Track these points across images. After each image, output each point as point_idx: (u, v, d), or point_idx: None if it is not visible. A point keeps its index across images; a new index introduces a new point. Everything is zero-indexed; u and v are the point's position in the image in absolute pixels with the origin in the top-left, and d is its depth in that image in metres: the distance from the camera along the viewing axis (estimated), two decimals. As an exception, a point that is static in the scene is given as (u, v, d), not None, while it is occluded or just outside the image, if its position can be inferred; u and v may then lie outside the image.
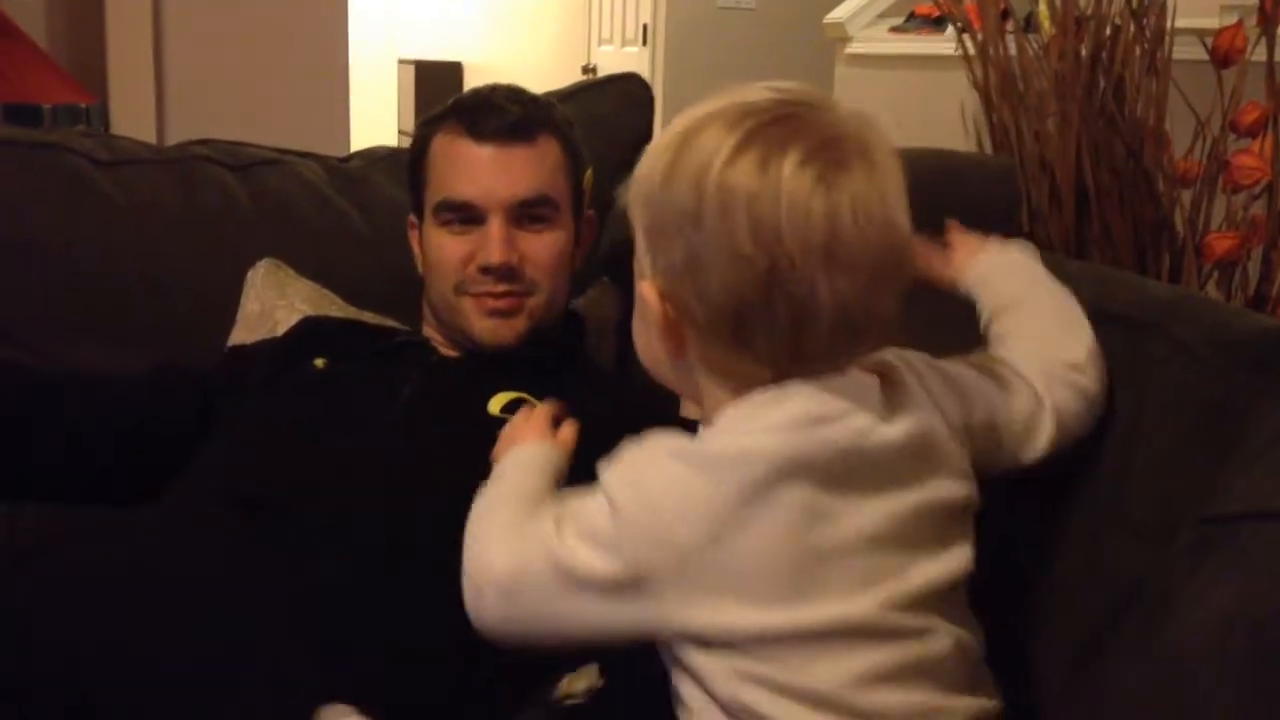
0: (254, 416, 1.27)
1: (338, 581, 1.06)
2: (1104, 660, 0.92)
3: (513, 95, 1.41)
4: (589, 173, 1.46)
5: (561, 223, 1.39)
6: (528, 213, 1.35)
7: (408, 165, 1.45)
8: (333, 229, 1.63)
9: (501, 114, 1.37)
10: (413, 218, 1.45)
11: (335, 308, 1.53)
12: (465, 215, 1.34)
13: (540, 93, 1.77)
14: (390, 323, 1.52)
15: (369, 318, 1.53)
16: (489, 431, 1.14)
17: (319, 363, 1.33)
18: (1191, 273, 1.37)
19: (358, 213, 1.65)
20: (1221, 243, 1.34)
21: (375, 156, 1.78)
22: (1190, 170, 1.39)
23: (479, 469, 1.06)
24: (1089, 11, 1.32)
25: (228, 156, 1.65)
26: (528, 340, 1.35)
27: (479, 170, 1.34)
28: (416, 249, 1.45)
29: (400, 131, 7.30)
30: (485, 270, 1.33)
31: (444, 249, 1.36)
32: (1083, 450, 0.99)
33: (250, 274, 1.52)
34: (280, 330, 1.45)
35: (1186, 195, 1.41)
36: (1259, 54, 1.47)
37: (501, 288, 1.33)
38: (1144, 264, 1.36)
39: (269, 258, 1.54)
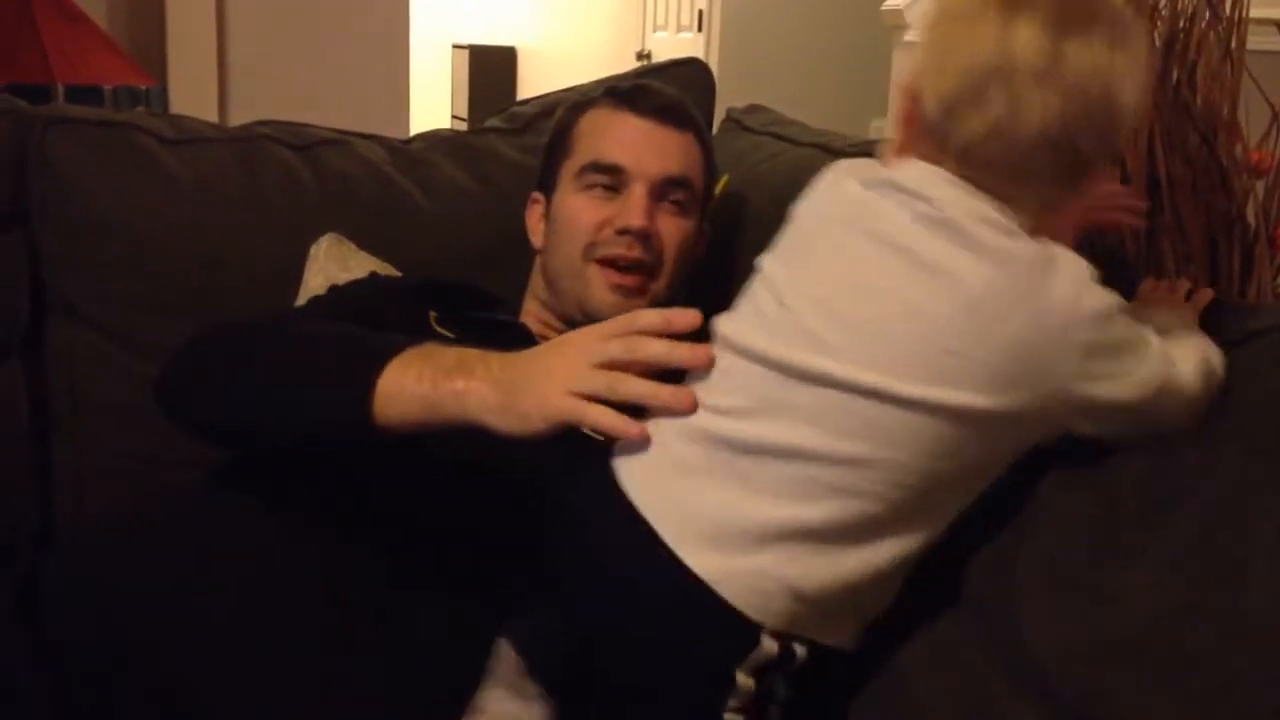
0: None
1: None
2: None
3: (665, 87, 1.50)
4: (725, 179, 1.49)
5: (694, 213, 1.42)
6: (669, 192, 1.38)
7: (546, 144, 1.49)
8: (395, 208, 1.64)
9: (660, 95, 1.45)
10: (537, 193, 1.48)
11: (399, 282, 1.53)
12: (611, 180, 1.37)
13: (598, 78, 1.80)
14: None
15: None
16: (565, 438, 1.15)
17: (434, 315, 1.34)
18: (1264, 264, 1.35)
19: (420, 193, 1.66)
20: (1295, 235, 1.32)
21: (437, 139, 1.79)
22: (1264, 161, 1.37)
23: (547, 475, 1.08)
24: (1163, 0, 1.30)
25: (291, 136, 1.66)
26: None
27: (634, 138, 1.39)
28: (536, 223, 1.47)
29: (454, 116, 7.33)
30: (623, 232, 1.35)
31: (583, 211, 1.38)
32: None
33: (313, 248, 1.53)
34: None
35: (1260, 187, 1.39)
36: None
37: (635, 253, 1.35)
38: (1215, 254, 1.34)
39: (333, 233, 1.55)
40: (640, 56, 6.08)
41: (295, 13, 2.97)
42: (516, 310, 1.45)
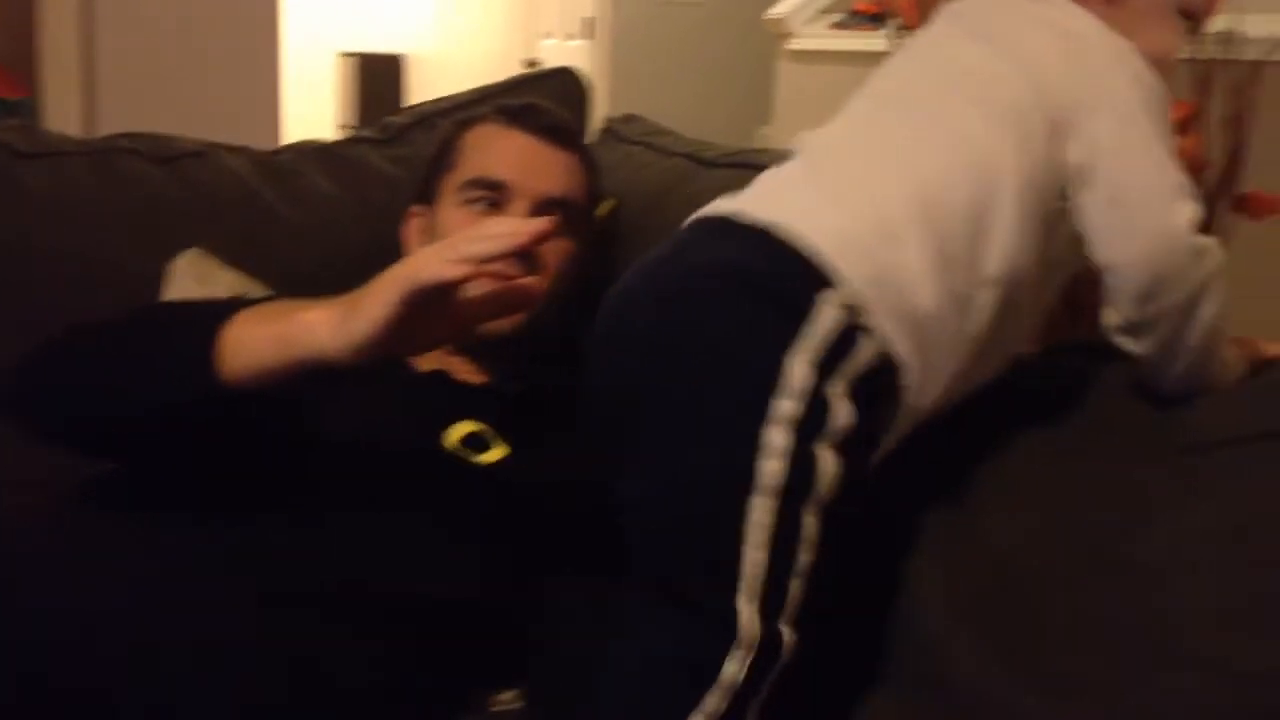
0: None
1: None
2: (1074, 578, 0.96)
3: (553, 106, 1.49)
4: (612, 202, 1.49)
5: (575, 235, 1.40)
6: (552, 212, 1.34)
7: (430, 156, 1.46)
8: (261, 222, 1.61)
9: (549, 115, 1.44)
10: (416, 207, 1.45)
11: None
12: (494, 196, 1.36)
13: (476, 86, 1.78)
14: None
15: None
16: (441, 464, 1.13)
17: None
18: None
19: (287, 205, 1.64)
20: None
21: (306, 149, 1.76)
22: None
23: (427, 500, 1.05)
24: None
25: (153, 149, 1.63)
26: (517, 337, 1.31)
27: (520, 155, 1.38)
28: (413, 237, 1.44)
29: (339, 125, 7.24)
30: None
31: (464, 226, 1.34)
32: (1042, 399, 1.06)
33: (173, 264, 1.50)
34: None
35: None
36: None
37: (514, 271, 1.32)
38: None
39: (195, 248, 1.52)
40: (529, 64, 6.07)
41: (165, 23, 2.91)
42: None
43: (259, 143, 1.79)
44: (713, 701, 0.84)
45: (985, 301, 0.94)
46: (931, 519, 1.05)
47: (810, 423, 0.86)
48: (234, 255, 1.55)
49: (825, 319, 0.87)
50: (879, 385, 0.90)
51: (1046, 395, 1.08)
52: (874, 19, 3.77)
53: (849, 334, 0.88)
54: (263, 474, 1.10)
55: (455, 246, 0.99)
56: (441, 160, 1.42)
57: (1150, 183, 0.95)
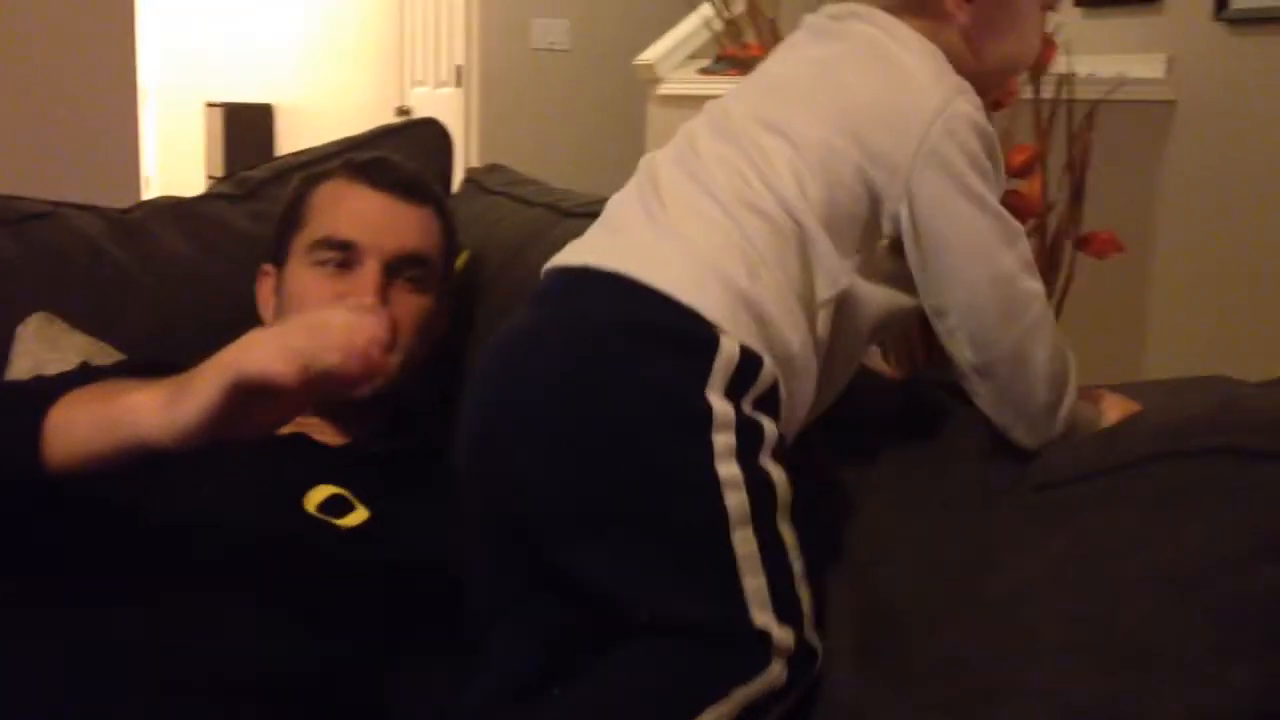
0: None
1: None
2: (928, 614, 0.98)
3: (403, 161, 1.46)
4: (465, 253, 1.47)
5: (431, 290, 1.37)
6: (404, 269, 1.33)
7: (280, 214, 1.42)
8: (111, 283, 1.57)
9: (398, 169, 1.40)
10: (268, 266, 1.41)
11: (113, 361, 1.47)
12: (343, 257, 1.32)
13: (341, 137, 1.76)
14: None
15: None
16: (302, 530, 1.11)
17: None
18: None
19: (139, 265, 1.60)
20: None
21: (159, 207, 1.73)
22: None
23: (289, 568, 1.02)
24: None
25: (-3, 209, 1.58)
26: (376, 398, 1.27)
27: (368, 213, 1.34)
28: (266, 297, 1.41)
29: (208, 176, 7.12)
30: None
31: (314, 287, 1.32)
32: (903, 436, 1.10)
33: (20, 329, 1.45)
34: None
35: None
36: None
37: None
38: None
39: (41, 312, 1.47)
40: (400, 111, 6.03)
41: (15, 81, 2.84)
42: None
43: (118, 198, 1.75)
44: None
45: (823, 321, 0.98)
46: (833, 576, 1.07)
47: (748, 445, 0.91)
48: (84, 318, 1.51)
49: (727, 352, 0.91)
50: (771, 401, 0.94)
51: (914, 435, 1.10)
52: (742, 65, 3.83)
53: (748, 361, 0.92)
54: (114, 558, 1.07)
55: (288, 342, 0.94)
56: (291, 218, 1.39)
57: (973, 231, 0.96)
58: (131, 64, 3.10)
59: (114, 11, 3.04)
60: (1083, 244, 1.43)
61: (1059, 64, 1.44)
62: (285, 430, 1.26)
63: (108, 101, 3.02)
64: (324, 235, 1.33)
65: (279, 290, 1.38)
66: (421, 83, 5.99)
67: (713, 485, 0.89)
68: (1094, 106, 1.39)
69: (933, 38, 1.01)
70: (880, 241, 0.99)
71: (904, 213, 0.96)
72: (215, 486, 1.16)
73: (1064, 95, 1.44)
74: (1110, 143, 2.31)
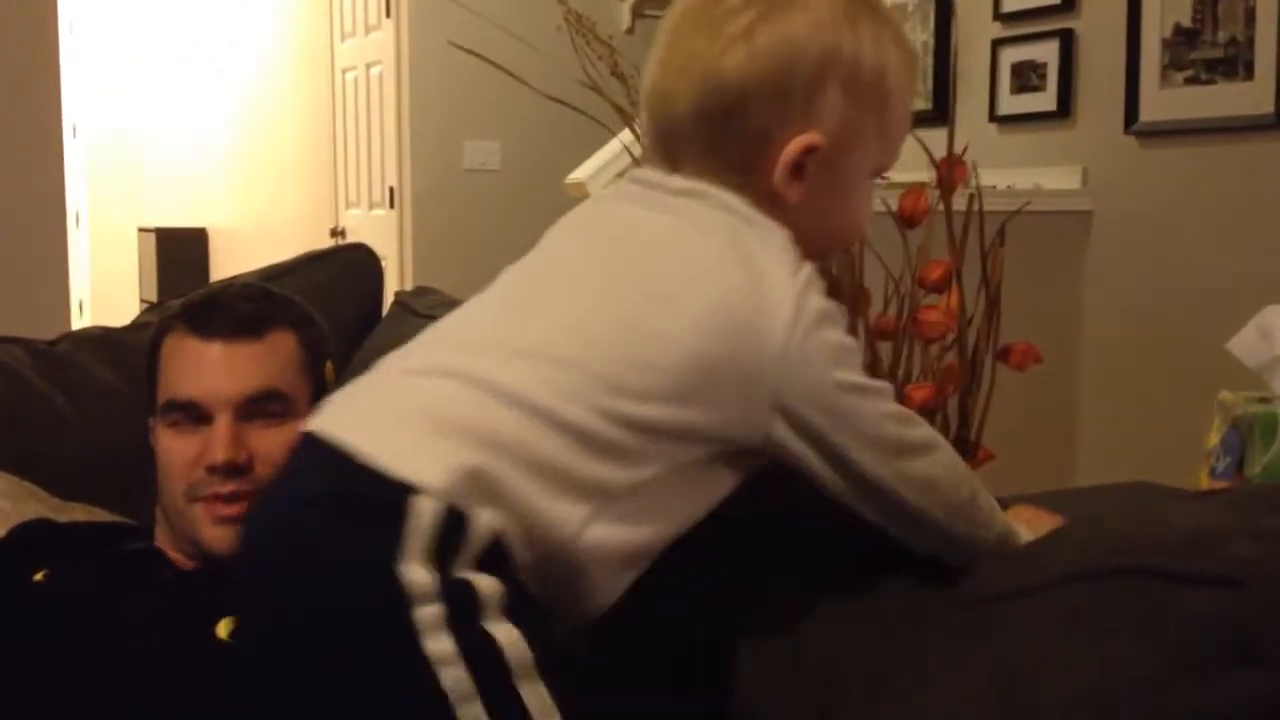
0: None
1: None
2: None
3: (245, 293, 1.39)
4: (329, 365, 1.44)
5: (296, 417, 1.31)
6: (258, 409, 1.29)
7: (144, 368, 1.38)
8: (34, 415, 1.55)
9: (229, 311, 1.34)
10: (152, 420, 1.38)
11: (37, 501, 1.45)
12: (192, 414, 1.29)
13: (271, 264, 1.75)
14: (114, 519, 1.44)
15: (79, 512, 1.45)
16: (215, 659, 1.09)
17: (39, 576, 1.24)
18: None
19: (63, 397, 1.59)
20: (919, 392, 1.42)
21: (85, 337, 1.72)
22: (888, 325, 1.47)
23: (202, 698, 1.00)
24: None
25: (-81, 344, 1.57)
26: None
27: (204, 368, 1.30)
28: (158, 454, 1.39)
29: (142, 300, 7.09)
30: (212, 470, 1.26)
31: (172, 451, 1.29)
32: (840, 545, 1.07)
33: (-60, 472, 1.43)
34: (-23, 529, 1.36)
35: (887, 349, 1.48)
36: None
37: (230, 487, 1.25)
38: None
39: (-38, 452, 1.46)
40: (335, 233, 6.06)
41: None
42: (153, 528, 1.37)
43: (48, 327, 1.74)
44: None
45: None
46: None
47: (462, 611, 0.83)
48: (6, 451, 1.49)
49: (422, 514, 0.84)
50: (496, 557, 0.87)
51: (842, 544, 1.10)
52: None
53: (452, 519, 0.84)
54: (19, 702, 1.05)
55: None
56: (150, 372, 1.37)
57: (867, 438, 0.94)
58: (60, 191, 3.10)
59: (42, 137, 3.05)
60: (1002, 356, 1.46)
61: (970, 179, 1.49)
62: (188, 566, 1.26)
63: (36, 228, 3.01)
64: (169, 398, 1.32)
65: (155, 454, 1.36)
66: (355, 204, 6.03)
67: (424, 665, 0.82)
68: (1007, 219, 1.44)
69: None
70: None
71: (778, 428, 0.92)
72: (128, 627, 1.15)
73: (977, 209, 1.48)
74: (1030, 253, 2.37)
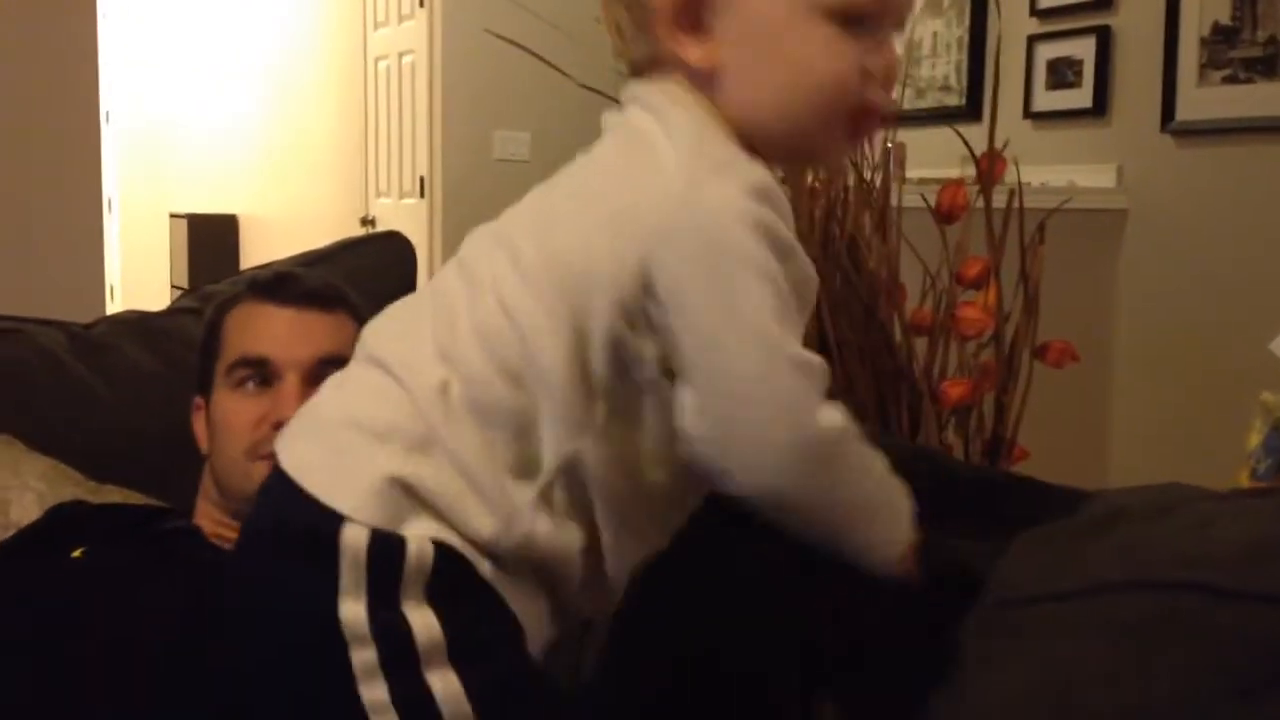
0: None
1: None
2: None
3: (309, 273, 1.46)
4: None
5: None
6: (327, 373, 1.31)
7: (199, 346, 1.41)
8: (73, 399, 1.56)
9: (299, 282, 1.40)
10: (198, 399, 1.41)
11: (74, 484, 1.46)
12: (261, 374, 1.32)
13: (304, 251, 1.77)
14: (149, 501, 1.45)
15: (115, 494, 1.46)
16: None
17: (77, 553, 1.26)
18: (930, 419, 1.43)
19: (100, 379, 1.59)
20: (955, 389, 1.41)
21: (122, 321, 1.73)
22: (924, 320, 1.46)
23: None
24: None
25: (-42, 325, 1.58)
26: None
27: (278, 328, 1.35)
28: (200, 430, 1.40)
29: (173, 286, 7.12)
30: (279, 426, 1.28)
31: (237, 411, 1.32)
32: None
33: (-20, 451, 1.44)
34: (12, 512, 1.37)
35: (923, 344, 1.48)
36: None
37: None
38: (885, 412, 1.42)
39: (2, 435, 1.46)
40: (365, 222, 6.07)
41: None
42: (189, 510, 1.39)
43: (83, 310, 1.75)
44: None
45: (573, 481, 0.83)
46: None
47: (394, 656, 0.78)
48: (47, 435, 1.50)
49: (352, 545, 0.78)
50: (458, 579, 0.80)
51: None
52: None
53: (384, 547, 0.79)
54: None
55: None
56: (209, 347, 1.40)
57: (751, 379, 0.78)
58: (96, 176, 3.12)
59: (78, 123, 3.07)
60: (1039, 354, 1.45)
61: (1010, 175, 1.48)
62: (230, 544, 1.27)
63: (72, 213, 3.03)
64: (239, 356, 1.34)
65: (209, 419, 1.38)
66: (385, 193, 6.04)
67: (362, 714, 0.77)
68: (1047, 216, 1.43)
69: (695, 98, 0.85)
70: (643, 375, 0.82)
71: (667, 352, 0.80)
72: (179, 595, 1.16)
73: (1016, 205, 1.47)
74: (1065, 251, 2.35)
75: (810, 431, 0.78)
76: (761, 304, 0.77)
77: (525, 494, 0.81)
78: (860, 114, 0.83)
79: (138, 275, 7.38)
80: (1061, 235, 1.85)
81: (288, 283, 1.40)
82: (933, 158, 3.03)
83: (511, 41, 1.91)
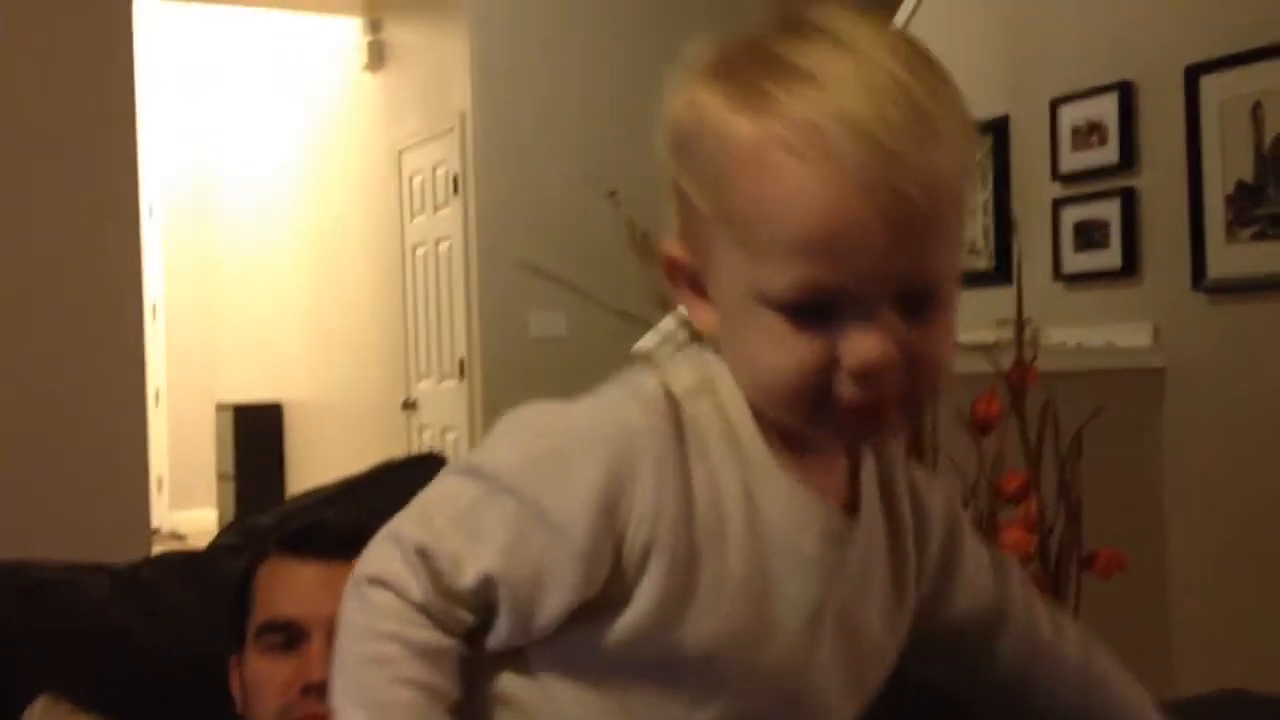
0: None
1: None
2: None
3: (340, 517, 1.44)
4: None
5: None
6: None
7: (230, 606, 1.41)
8: (118, 648, 1.56)
9: (327, 531, 1.38)
10: (234, 658, 1.40)
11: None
12: (289, 635, 1.31)
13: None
14: None
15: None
16: None
17: None
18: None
19: (143, 626, 1.60)
20: (1003, 605, 1.39)
21: (167, 561, 1.74)
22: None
23: None
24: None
25: (8, 578, 1.59)
26: None
27: (303, 587, 1.33)
28: (237, 690, 1.39)
29: (219, 475, 7.19)
30: (307, 690, 1.27)
31: (266, 673, 1.32)
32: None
33: (26, 714, 1.44)
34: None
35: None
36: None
37: (326, 707, 1.27)
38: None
39: (46, 693, 1.46)
40: (406, 404, 6.14)
41: (25, 393, 2.91)
42: None
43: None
44: None
45: None
46: None
47: None
48: (91, 688, 1.50)
49: None
50: None
51: None
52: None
53: None
54: None
55: None
56: (240, 605, 1.40)
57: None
58: (141, 369, 3.16)
59: (122, 315, 3.13)
60: (1088, 563, 1.43)
61: (1036, 391, 1.48)
62: None
63: (117, 407, 3.07)
64: (266, 619, 1.34)
65: (242, 681, 1.37)
66: (426, 375, 6.12)
67: None
68: (1077, 437, 1.42)
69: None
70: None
71: None
72: None
73: (1050, 413, 1.47)
74: (1105, 412, 2.34)
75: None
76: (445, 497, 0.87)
77: None
78: (834, 407, 0.77)
79: (184, 464, 7.47)
80: (1101, 395, 1.85)
81: (315, 534, 1.39)
82: (965, 321, 3.04)
83: (544, 273, 1.95)
